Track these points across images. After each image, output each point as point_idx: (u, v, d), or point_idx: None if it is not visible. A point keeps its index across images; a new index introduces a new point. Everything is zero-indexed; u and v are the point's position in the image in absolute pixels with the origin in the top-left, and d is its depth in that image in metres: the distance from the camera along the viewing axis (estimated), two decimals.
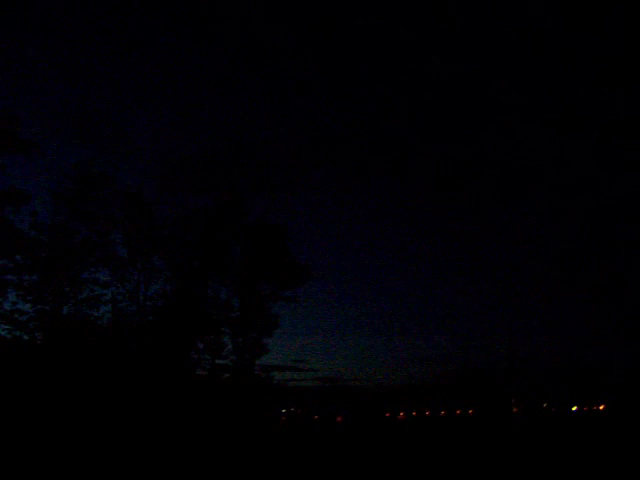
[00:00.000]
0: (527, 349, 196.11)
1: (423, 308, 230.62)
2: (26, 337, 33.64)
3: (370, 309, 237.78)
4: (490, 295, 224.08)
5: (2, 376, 29.22)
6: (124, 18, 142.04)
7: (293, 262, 46.64)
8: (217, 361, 43.27)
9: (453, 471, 19.52)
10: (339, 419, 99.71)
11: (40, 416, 29.10)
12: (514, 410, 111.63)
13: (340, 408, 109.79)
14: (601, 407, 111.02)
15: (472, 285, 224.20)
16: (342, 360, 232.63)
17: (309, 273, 47.45)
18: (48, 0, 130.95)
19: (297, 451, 30.81)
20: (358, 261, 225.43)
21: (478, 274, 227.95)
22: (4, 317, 32.47)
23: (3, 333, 32.89)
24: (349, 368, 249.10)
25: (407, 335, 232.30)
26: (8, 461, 21.67)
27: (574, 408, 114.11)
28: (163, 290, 40.57)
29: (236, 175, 44.82)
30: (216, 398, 41.93)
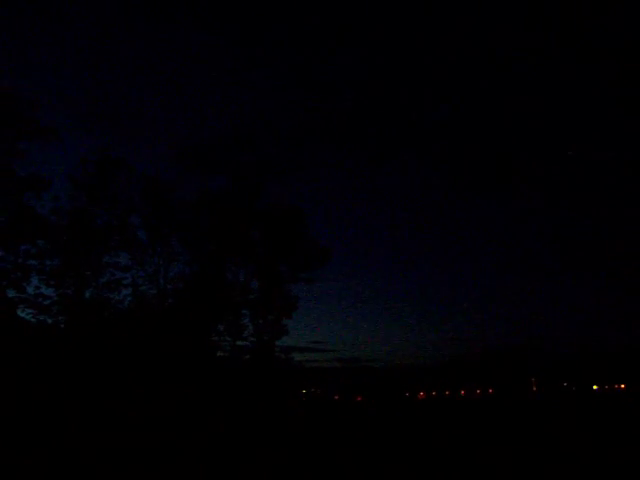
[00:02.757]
0: (548, 329, 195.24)
1: (443, 289, 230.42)
2: (49, 321, 34.15)
3: (389, 290, 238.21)
4: (511, 275, 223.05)
5: (28, 359, 29.69)
6: (138, 6, 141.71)
7: (312, 244, 46.63)
8: (237, 343, 43.65)
9: (470, 451, 19.57)
10: (359, 399, 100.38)
11: (66, 396, 29.61)
12: (534, 389, 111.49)
13: (360, 388, 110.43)
14: (622, 386, 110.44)
15: (493, 265, 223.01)
16: (362, 341, 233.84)
17: (328, 255, 47.46)
18: None
19: (316, 431, 31.04)
20: (377, 242, 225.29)
21: (499, 254, 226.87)
22: (28, 302, 32.94)
23: (27, 317, 33.43)
24: (369, 349, 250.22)
25: (427, 316, 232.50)
26: (32, 440, 22.13)
27: (595, 387, 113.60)
28: (183, 273, 40.94)
29: (254, 157, 44.83)
30: (237, 379, 42.32)
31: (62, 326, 34.82)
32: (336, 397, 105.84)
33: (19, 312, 33.05)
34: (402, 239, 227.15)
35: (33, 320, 33.54)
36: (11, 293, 32.28)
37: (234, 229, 42.91)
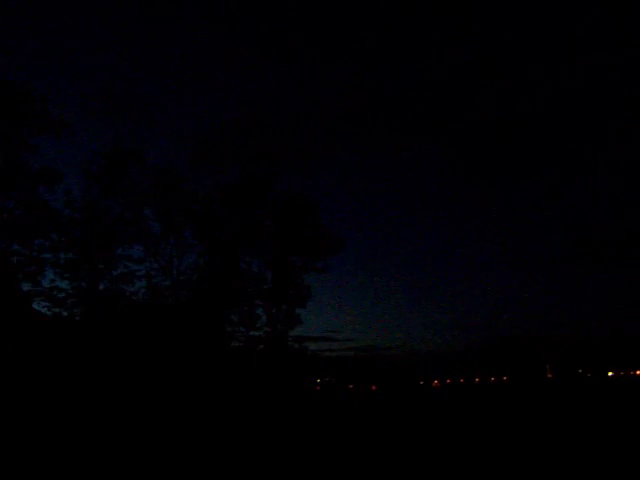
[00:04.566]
0: (563, 316, 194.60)
1: (457, 277, 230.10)
2: (65, 313, 34.41)
3: (404, 278, 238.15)
4: (525, 262, 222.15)
5: (43, 351, 29.93)
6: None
7: (325, 233, 46.55)
8: (251, 333, 43.72)
9: (485, 439, 19.47)
10: (373, 388, 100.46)
11: (81, 388, 29.84)
12: (549, 376, 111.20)
13: (374, 377, 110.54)
14: (637, 372, 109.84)
15: (507, 253, 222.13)
16: (376, 329, 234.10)
17: (341, 244, 47.37)
18: None
19: (331, 418, 31.07)
20: (390, 231, 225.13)
21: (513, 242, 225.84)
22: (43, 294, 33.21)
23: (42, 310, 33.70)
24: (383, 337, 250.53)
25: (441, 304, 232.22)
26: (52, 431, 22.30)
27: (610, 373, 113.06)
28: (196, 264, 41.00)
29: (266, 147, 44.75)
30: (251, 369, 42.41)
31: (77, 318, 35.08)
32: (350, 386, 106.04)
33: (34, 305, 33.38)
34: (417, 228, 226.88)
35: (48, 313, 33.86)
36: (26, 286, 32.60)
37: (247, 219, 42.92)
